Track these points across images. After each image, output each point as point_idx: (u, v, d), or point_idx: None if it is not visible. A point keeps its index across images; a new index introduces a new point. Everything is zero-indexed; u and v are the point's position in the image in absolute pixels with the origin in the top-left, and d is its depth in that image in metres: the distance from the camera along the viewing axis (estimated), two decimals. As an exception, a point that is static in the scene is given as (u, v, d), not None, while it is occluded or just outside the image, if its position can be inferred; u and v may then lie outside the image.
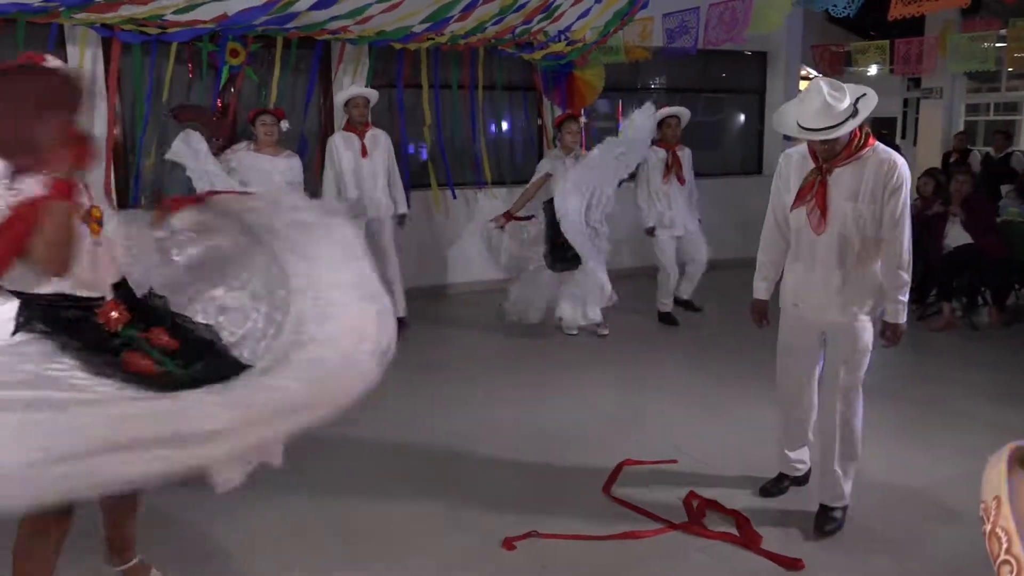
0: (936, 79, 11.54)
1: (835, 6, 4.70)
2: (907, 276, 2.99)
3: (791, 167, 3.20)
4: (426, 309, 6.91)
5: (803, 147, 3.14)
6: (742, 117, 9.59)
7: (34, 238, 2.10)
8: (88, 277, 2.31)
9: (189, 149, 5.41)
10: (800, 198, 3.10)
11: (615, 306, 6.05)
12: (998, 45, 9.02)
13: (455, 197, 7.52)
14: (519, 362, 5.60)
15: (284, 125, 5.79)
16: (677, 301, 6.68)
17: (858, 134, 2.97)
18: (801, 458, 3.53)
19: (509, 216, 5.99)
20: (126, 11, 5.79)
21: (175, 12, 5.89)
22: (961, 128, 12.16)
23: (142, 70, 6.22)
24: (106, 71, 6.13)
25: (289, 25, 6.25)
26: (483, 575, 2.91)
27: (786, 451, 3.50)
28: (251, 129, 5.72)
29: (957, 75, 11.57)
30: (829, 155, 2.98)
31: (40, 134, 2.12)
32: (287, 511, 3.33)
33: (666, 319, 6.54)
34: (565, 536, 3.12)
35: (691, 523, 3.22)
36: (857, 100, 2.91)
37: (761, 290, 3.43)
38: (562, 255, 5.77)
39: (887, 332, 3.09)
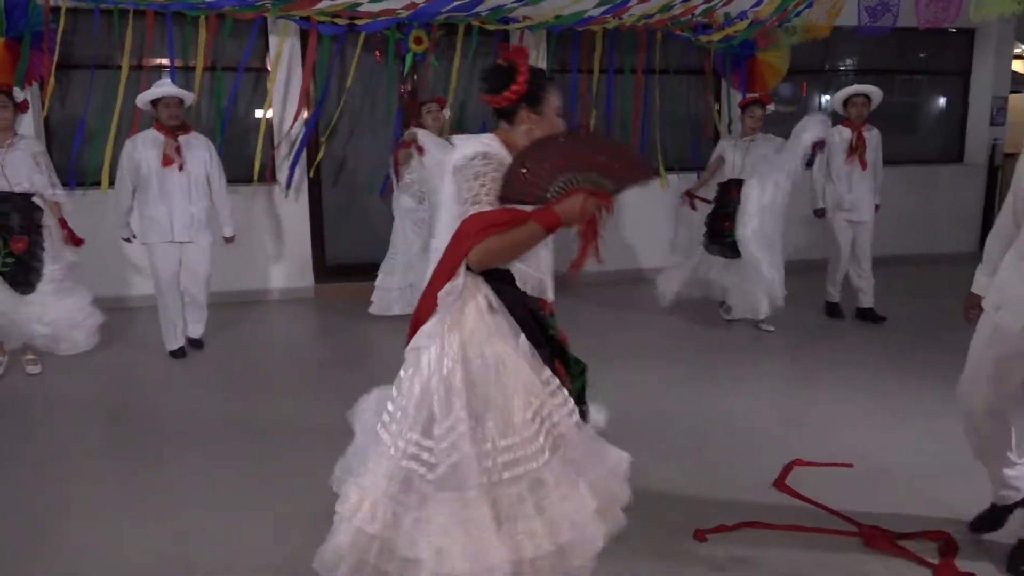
0: None
1: None
2: None
3: None
4: (589, 294, 6.92)
5: None
6: (942, 100, 8.86)
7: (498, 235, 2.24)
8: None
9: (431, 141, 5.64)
10: None
11: (787, 298, 5.84)
12: None
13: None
14: (683, 351, 5.50)
15: (446, 113, 5.97)
16: (859, 313, 6.25)
17: None
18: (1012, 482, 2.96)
19: (690, 194, 6.16)
20: (326, 3, 6.18)
21: (370, 1, 6.22)
22: None
23: (330, 58, 6.62)
24: (303, 60, 6.57)
25: (473, 11, 6.41)
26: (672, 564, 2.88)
27: (1004, 470, 2.95)
28: (416, 119, 5.97)
29: None
30: None
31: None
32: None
33: (833, 311, 6.21)
34: (775, 526, 3.06)
35: (887, 533, 3.03)
36: None
37: (982, 285, 2.89)
38: (720, 239, 5.76)
39: None
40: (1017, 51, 9.37)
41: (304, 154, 6.75)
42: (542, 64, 7.01)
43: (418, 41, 6.66)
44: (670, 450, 3.81)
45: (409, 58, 6.71)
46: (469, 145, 2.35)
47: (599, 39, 7.04)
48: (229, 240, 5.39)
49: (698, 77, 7.60)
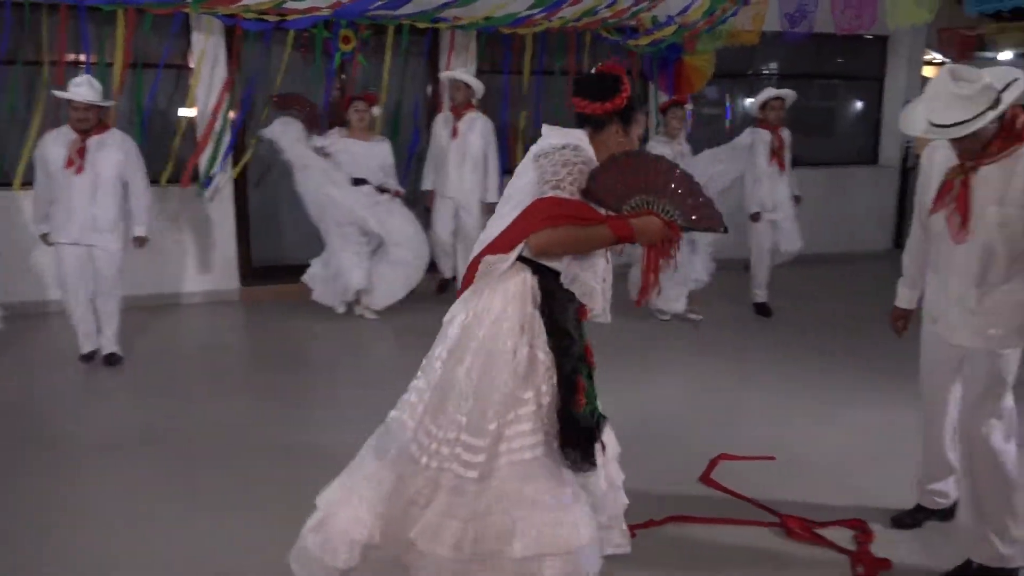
0: (1077, 64, 10.75)
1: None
2: None
3: (934, 163, 2.79)
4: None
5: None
6: (858, 104, 9.20)
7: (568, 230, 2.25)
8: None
9: (286, 133, 5.73)
10: (939, 200, 2.72)
11: (713, 294, 5.97)
12: None
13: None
14: (611, 348, 5.54)
15: (376, 111, 5.96)
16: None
17: (1011, 127, 2.56)
18: (942, 490, 3.13)
19: None
20: (250, 0, 6.05)
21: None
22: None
23: (257, 57, 6.49)
24: (229, 58, 6.43)
25: (400, 12, 6.37)
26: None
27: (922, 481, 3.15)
28: (344, 115, 5.95)
29: (1101, 60, 10.73)
30: (970, 153, 2.59)
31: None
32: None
33: (761, 310, 6.40)
34: (702, 519, 3.13)
35: (807, 523, 3.14)
36: (1005, 88, 2.50)
37: (904, 298, 3.06)
38: None
39: None
40: (927, 58, 9.78)
41: (230, 154, 6.61)
42: (471, 65, 7.02)
43: (346, 40, 6.58)
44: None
45: (338, 57, 6.63)
46: (560, 136, 2.38)
47: (529, 41, 7.07)
48: (140, 241, 5.09)
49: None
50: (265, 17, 6.19)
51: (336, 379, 4.94)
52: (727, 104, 8.62)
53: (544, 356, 2.33)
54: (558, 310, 2.33)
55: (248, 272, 6.89)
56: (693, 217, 2.28)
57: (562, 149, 2.31)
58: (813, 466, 3.71)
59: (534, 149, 2.42)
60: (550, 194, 2.25)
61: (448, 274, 6.72)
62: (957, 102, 2.46)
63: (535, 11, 6.54)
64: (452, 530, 2.27)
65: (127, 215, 5.02)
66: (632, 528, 3.07)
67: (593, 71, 2.51)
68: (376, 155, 5.90)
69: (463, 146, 6.16)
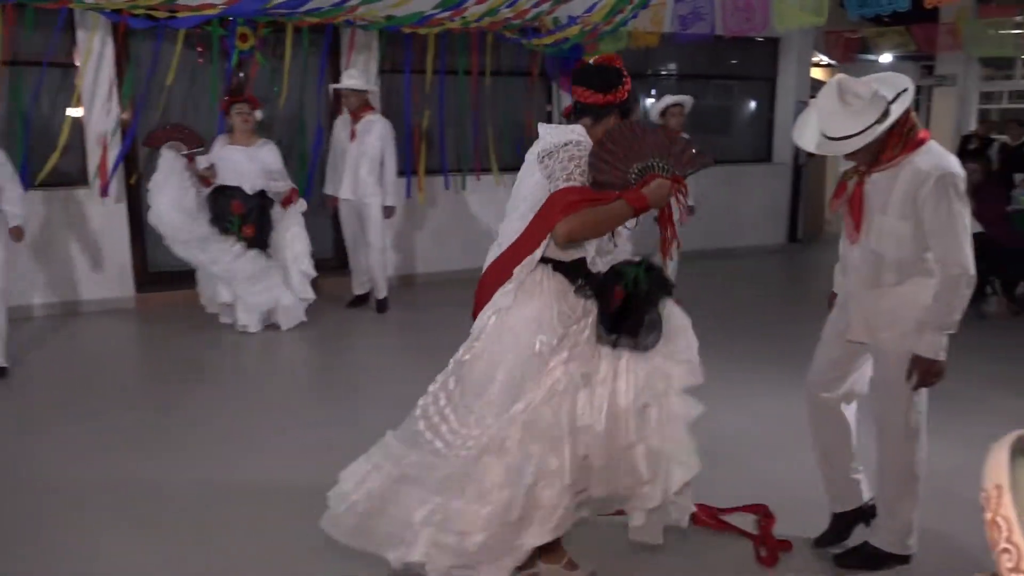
0: (950, 66, 11.42)
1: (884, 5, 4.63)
2: (955, 303, 2.52)
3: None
4: (428, 293, 6.91)
5: None
6: (752, 104, 9.55)
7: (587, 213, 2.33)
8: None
9: (166, 211, 5.44)
10: (835, 198, 2.76)
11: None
12: (1014, 32, 8.96)
13: (447, 187, 7.47)
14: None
15: (258, 114, 5.81)
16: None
17: (900, 133, 2.53)
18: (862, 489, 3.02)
19: None
20: (138, -5, 5.81)
21: (185, -2, 5.92)
22: (975, 116, 12.03)
23: (149, 56, 6.25)
24: (116, 56, 6.16)
25: (300, 10, 6.23)
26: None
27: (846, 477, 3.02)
28: (227, 119, 5.76)
29: (971, 62, 11.42)
30: (865, 162, 2.61)
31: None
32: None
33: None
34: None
35: (712, 510, 3.21)
36: (895, 98, 2.50)
37: (838, 284, 3.02)
38: None
39: (914, 368, 2.61)
40: (815, 59, 10.24)
41: (122, 159, 6.33)
42: (373, 64, 6.94)
43: (243, 38, 6.40)
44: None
45: (235, 56, 6.44)
46: (560, 134, 2.44)
47: (431, 41, 7.03)
48: (18, 232, 4.72)
49: (533, 80, 7.76)
50: (154, 14, 5.95)
51: (239, 392, 4.80)
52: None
53: (551, 346, 2.41)
54: (595, 288, 2.48)
55: (144, 279, 6.62)
56: (687, 163, 2.42)
57: (566, 146, 2.40)
58: (718, 454, 3.79)
59: (536, 149, 2.48)
60: (563, 186, 2.34)
61: (358, 291, 6.57)
62: (847, 114, 2.47)
63: (440, 10, 6.51)
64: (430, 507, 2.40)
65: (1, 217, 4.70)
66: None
67: (592, 62, 2.56)
68: (258, 159, 5.69)
69: (361, 148, 6.08)
